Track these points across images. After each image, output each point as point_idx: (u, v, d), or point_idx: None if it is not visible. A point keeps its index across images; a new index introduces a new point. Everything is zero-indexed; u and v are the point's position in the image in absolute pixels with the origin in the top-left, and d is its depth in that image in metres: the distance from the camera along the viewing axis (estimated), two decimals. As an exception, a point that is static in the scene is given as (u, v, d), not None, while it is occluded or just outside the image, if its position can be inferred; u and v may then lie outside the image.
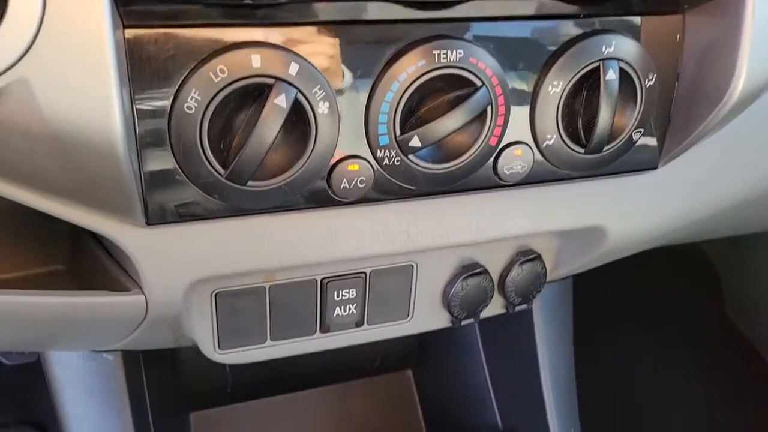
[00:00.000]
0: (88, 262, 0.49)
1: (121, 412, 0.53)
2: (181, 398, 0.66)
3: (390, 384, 0.78)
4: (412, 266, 0.50)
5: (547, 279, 0.55)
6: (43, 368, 0.56)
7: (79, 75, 0.30)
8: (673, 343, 1.05)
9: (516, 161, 0.44)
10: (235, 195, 0.39)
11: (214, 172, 0.37)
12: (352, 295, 0.49)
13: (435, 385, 0.77)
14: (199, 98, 0.35)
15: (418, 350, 0.79)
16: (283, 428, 0.73)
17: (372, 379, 0.77)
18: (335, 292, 0.48)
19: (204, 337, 0.46)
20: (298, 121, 0.37)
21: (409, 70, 0.38)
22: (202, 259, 0.41)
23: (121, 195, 0.36)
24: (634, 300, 1.00)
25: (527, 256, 0.53)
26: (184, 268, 0.41)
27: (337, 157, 0.39)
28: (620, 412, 0.89)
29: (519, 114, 0.42)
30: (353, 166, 0.40)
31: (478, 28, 0.40)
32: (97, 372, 0.54)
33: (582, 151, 0.44)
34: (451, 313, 0.53)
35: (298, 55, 0.36)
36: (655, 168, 0.48)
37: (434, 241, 0.47)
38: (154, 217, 0.38)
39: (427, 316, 0.53)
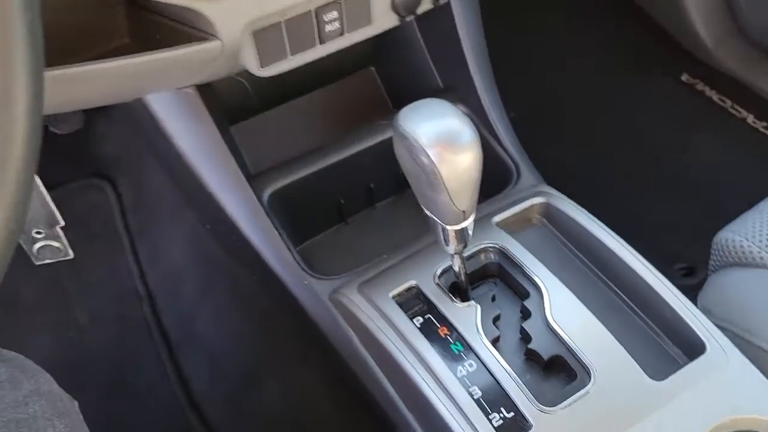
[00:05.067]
0: (150, 31, 0.70)
1: (208, 125, 0.79)
2: (224, 116, 0.92)
3: (360, 78, 1.04)
4: (369, -9, 0.72)
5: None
6: (141, 112, 0.80)
7: None
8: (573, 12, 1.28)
9: None
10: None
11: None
12: (335, 15, 0.72)
13: (392, 72, 1.03)
14: None
15: (375, 51, 1.03)
16: (297, 124, 1.00)
17: (349, 77, 1.03)
18: (324, 16, 0.71)
19: (252, 61, 0.70)
20: None
21: None
22: (249, 9, 0.63)
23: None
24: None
25: (443, -36, 0.75)
26: (240, 17, 0.63)
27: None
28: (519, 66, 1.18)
29: None
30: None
31: None
32: (184, 102, 0.78)
33: None
34: (398, 14, 0.77)
35: None
36: None
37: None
38: (218, -11, 0.60)
39: (383, 19, 0.76)
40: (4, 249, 0.31)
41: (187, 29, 0.65)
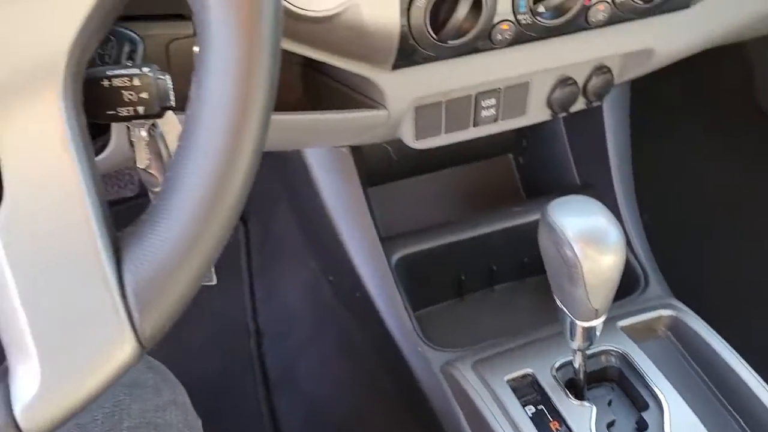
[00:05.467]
0: (321, 91, 0.76)
1: (355, 185, 0.84)
2: (366, 178, 0.96)
3: (497, 164, 1.07)
4: (528, 82, 0.75)
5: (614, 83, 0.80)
6: (295, 161, 0.86)
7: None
8: (707, 124, 1.27)
9: (600, 12, 0.67)
10: (440, 49, 0.64)
11: (431, 37, 0.63)
12: (493, 102, 0.75)
13: (529, 163, 1.06)
14: (424, -3, 0.60)
15: (515, 139, 1.06)
16: (430, 196, 1.03)
17: (486, 161, 1.06)
18: (483, 101, 0.75)
19: (408, 133, 0.74)
20: (476, 3, 0.62)
21: (539, -34, 0.62)
22: (418, 86, 0.68)
23: (386, 56, 0.62)
24: (674, 91, 1.20)
25: (602, 70, 0.77)
26: (409, 92, 0.68)
27: (495, 21, 0.65)
28: (663, 176, 1.16)
29: (603, -17, 0.66)
30: (504, 26, 0.65)
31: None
32: (338, 159, 0.84)
33: (641, 2, 0.68)
34: (551, 110, 0.79)
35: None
36: (687, 7, 0.72)
37: (544, 65, 0.73)
38: (396, 65, 0.65)
39: (536, 112, 0.78)
40: (208, 263, 0.35)
41: (356, 95, 0.70)
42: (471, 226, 0.89)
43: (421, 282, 0.87)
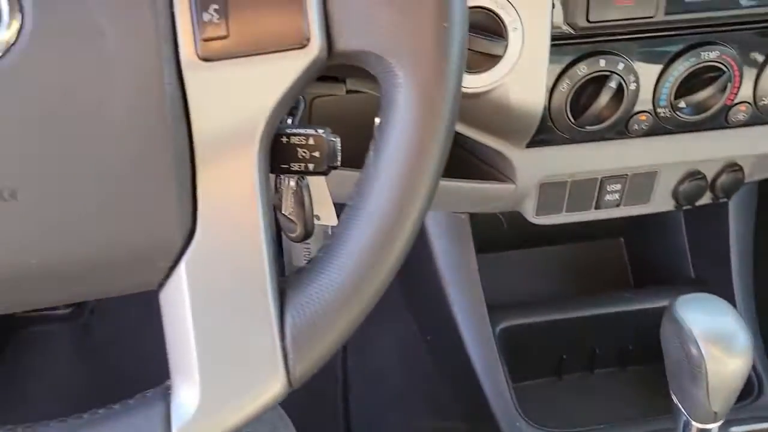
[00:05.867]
0: (452, 159, 0.79)
1: (469, 251, 0.86)
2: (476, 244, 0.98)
3: (608, 246, 1.06)
4: (657, 172, 0.75)
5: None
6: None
7: (533, 81, 0.59)
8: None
9: (741, 113, 0.67)
10: (576, 133, 0.66)
11: (569, 121, 0.65)
12: (617, 188, 0.76)
13: (642, 249, 1.04)
14: (568, 83, 0.62)
15: (631, 223, 1.05)
16: (535, 270, 1.03)
17: (596, 242, 1.05)
18: (608, 186, 0.75)
19: (529, 208, 0.75)
20: (618, 92, 0.64)
21: (685, 63, 0.63)
22: (548, 165, 0.69)
23: (524, 135, 0.65)
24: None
25: (733, 167, 0.76)
26: (538, 170, 0.69)
27: (634, 111, 0.66)
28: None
29: (747, 85, 0.66)
30: (642, 117, 0.66)
31: (725, 36, 0.63)
32: (456, 225, 0.86)
33: (785, 107, 0.67)
34: (676, 201, 0.78)
35: (623, 57, 0.62)
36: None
37: (675, 157, 0.73)
38: (530, 145, 0.67)
39: (660, 202, 0.78)
40: (361, 317, 0.38)
41: (485, 166, 0.73)
42: (578, 305, 0.89)
43: (521, 355, 0.87)
